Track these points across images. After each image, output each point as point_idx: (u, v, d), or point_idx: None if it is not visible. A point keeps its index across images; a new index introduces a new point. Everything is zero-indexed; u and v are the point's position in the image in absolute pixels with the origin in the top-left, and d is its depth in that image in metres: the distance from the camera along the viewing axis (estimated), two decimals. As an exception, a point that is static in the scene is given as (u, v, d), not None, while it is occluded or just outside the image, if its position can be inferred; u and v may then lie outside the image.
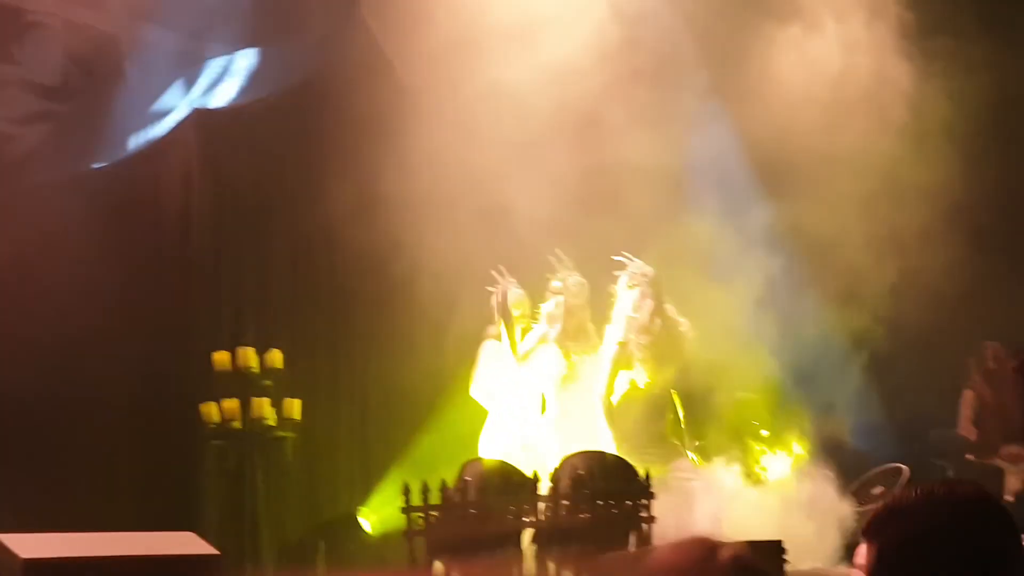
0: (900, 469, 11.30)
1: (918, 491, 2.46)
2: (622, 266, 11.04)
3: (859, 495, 11.20)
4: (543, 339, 11.10)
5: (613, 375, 11.03)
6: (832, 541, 10.28)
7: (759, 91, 11.78)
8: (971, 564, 2.32)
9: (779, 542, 8.50)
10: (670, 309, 11.07)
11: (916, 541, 2.36)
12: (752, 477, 11.28)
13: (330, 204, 12.71)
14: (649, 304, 10.88)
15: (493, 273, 11.24)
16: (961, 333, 12.12)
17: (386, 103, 12.38)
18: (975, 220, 11.83)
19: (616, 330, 11.11)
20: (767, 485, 11.23)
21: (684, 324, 11.05)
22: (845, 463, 11.36)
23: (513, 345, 11.26)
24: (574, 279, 11.18)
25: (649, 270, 10.89)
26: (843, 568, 8.73)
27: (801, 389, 11.82)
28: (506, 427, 11.09)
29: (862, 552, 2.43)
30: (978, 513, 2.37)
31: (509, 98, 11.41)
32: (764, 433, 12.23)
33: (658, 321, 10.90)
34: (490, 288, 11.33)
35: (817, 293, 11.88)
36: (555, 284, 11.17)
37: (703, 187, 11.74)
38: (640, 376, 11.01)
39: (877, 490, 11.18)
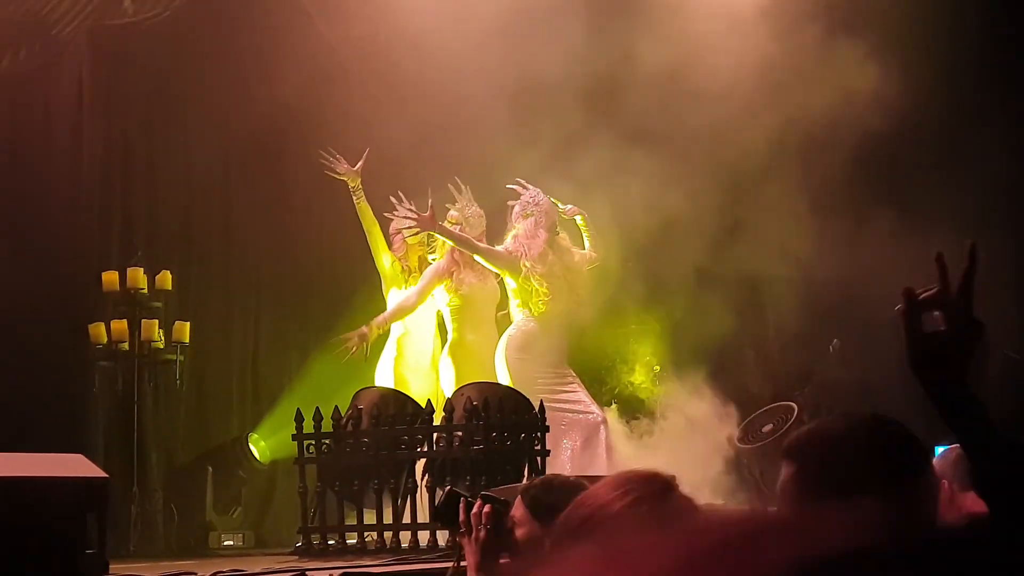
0: (791, 407, 11.30)
1: (837, 416, 2.63)
2: (516, 194, 10.91)
3: (749, 432, 11.24)
4: (436, 271, 10.98)
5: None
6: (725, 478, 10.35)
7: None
8: (884, 477, 2.50)
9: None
10: (564, 239, 10.97)
11: (836, 459, 2.51)
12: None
13: (228, 126, 12.53)
14: (543, 234, 10.75)
15: (391, 199, 11.08)
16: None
17: (286, 22, 12.22)
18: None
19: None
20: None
21: (579, 254, 10.95)
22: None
23: (407, 274, 11.20)
24: (472, 209, 11.05)
25: (543, 199, 10.77)
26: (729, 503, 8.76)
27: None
28: (402, 356, 11.03)
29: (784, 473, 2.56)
30: (890, 434, 2.57)
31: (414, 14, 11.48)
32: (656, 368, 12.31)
33: (551, 251, 10.77)
34: (388, 215, 11.19)
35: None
36: (452, 214, 11.03)
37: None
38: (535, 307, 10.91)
39: (767, 428, 11.20)
